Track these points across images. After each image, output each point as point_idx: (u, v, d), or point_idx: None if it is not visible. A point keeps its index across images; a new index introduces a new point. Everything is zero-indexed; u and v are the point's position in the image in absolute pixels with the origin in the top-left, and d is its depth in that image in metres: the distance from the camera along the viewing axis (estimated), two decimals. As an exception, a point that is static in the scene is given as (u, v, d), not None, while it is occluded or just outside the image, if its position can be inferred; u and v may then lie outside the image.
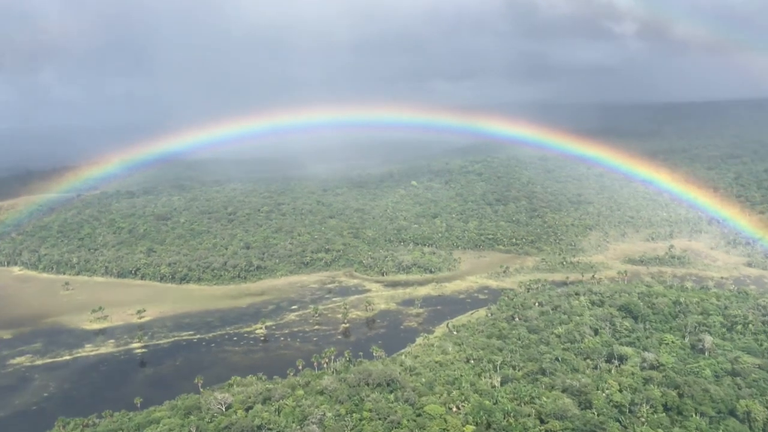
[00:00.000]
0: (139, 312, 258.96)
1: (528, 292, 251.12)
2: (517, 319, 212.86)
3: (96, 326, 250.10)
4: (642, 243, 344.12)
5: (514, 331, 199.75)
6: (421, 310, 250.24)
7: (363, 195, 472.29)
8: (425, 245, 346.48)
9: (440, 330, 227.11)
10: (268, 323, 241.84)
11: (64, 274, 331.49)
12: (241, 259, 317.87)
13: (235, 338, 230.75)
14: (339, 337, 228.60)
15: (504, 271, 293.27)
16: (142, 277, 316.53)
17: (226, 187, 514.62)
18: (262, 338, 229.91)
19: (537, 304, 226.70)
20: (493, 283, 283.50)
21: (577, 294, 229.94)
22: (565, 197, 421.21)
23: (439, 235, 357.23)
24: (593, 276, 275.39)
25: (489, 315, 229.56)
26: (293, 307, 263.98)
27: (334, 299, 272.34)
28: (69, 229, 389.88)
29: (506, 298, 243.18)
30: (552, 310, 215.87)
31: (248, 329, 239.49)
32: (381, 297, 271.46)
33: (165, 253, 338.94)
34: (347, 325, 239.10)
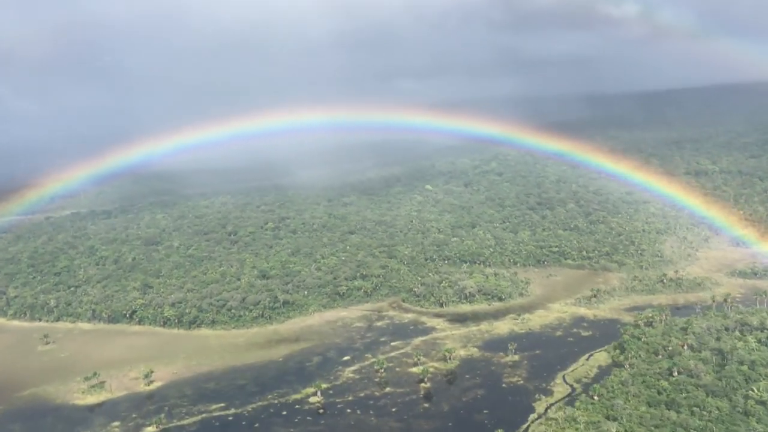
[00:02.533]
0: (146, 376, 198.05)
1: (651, 326, 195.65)
2: (676, 373, 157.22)
3: (91, 399, 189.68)
4: (732, 248, 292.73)
5: (684, 395, 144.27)
6: (516, 357, 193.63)
7: (376, 203, 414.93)
8: (475, 263, 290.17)
9: (558, 388, 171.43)
10: (323, 386, 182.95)
11: (41, 321, 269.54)
12: (262, 294, 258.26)
13: (283, 412, 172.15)
14: (425, 405, 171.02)
15: (594, 296, 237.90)
16: (140, 322, 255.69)
17: (215, 200, 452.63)
18: (319, 410, 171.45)
19: (685, 346, 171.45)
20: (587, 312, 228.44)
21: (727, 329, 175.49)
22: (616, 197, 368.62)
23: (490, 250, 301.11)
24: (713, 299, 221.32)
25: (619, 364, 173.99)
26: (345, 358, 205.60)
27: (392, 343, 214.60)
28: (41, 261, 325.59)
29: (631, 338, 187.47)
30: (714, 355, 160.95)
31: (297, 396, 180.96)
32: (453, 338, 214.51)
33: (164, 288, 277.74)
34: (427, 385, 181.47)
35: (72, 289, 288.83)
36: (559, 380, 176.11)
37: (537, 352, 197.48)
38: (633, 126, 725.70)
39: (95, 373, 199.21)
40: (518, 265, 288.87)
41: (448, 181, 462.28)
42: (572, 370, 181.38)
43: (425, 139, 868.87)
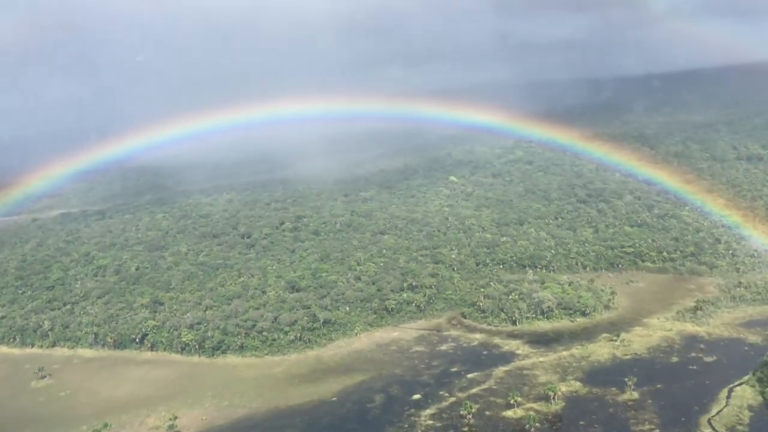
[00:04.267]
0: (170, 428, 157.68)
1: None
2: None
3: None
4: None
5: None
6: (635, 395, 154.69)
7: (399, 198, 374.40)
8: (536, 267, 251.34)
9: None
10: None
11: (33, 347, 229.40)
12: (298, 311, 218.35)
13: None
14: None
15: (698, 308, 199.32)
16: (153, 348, 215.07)
17: (219, 198, 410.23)
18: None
19: None
20: (697, 330, 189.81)
21: None
22: (672, 186, 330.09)
23: (551, 252, 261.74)
24: None
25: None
26: (415, 397, 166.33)
27: (468, 375, 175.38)
28: (31, 272, 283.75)
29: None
30: None
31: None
32: (543, 367, 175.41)
33: (177, 305, 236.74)
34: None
35: (68, 306, 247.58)
36: (705, 428, 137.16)
37: (658, 386, 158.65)
38: (650, 110, 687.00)
39: (106, 425, 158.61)
40: (588, 269, 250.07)
41: (474, 172, 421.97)
42: (716, 414, 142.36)
43: (425, 128, 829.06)
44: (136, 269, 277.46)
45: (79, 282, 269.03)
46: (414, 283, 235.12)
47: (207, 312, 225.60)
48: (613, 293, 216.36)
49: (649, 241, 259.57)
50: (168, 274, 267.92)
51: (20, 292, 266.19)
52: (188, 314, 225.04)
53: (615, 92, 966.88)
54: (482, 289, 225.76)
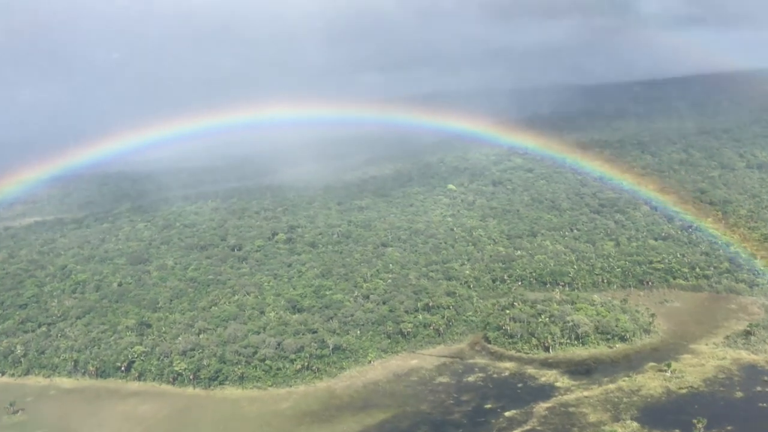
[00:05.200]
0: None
1: None
2: None
3: None
4: None
5: None
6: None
7: (396, 207, 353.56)
8: (558, 284, 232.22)
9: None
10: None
11: (3, 375, 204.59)
12: (304, 335, 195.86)
13: None
14: None
15: (751, 333, 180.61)
16: (141, 377, 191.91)
17: (203, 206, 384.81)
18: None
19: None
20: (755, 359, 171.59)
21: None
22: (690, 185, 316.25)
23: (573, 267, 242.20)
24: None
25: None
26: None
27: (506, 414, 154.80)
28: (2, 288, 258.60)
29: None
30: None
31: None
32: (590, 404, 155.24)
33: (167, 327, 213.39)
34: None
35: (44, 328, 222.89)
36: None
37: (729, 428, 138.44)
38: (641, 117, 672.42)
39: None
40: (615, 286, 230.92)
41: (472, 179, 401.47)
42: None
43: (410, 134, 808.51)
44: (119, 285, 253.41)
45: (55, 300, 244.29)
46: (429, 303, 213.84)
47: (201, 336, 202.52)
48: (652, 315, 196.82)
49: (678, 255, 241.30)
50: (154, 291, 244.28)
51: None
52: (180, 338, 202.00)
53: (603, 99, 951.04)
54: (507, 311, 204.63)
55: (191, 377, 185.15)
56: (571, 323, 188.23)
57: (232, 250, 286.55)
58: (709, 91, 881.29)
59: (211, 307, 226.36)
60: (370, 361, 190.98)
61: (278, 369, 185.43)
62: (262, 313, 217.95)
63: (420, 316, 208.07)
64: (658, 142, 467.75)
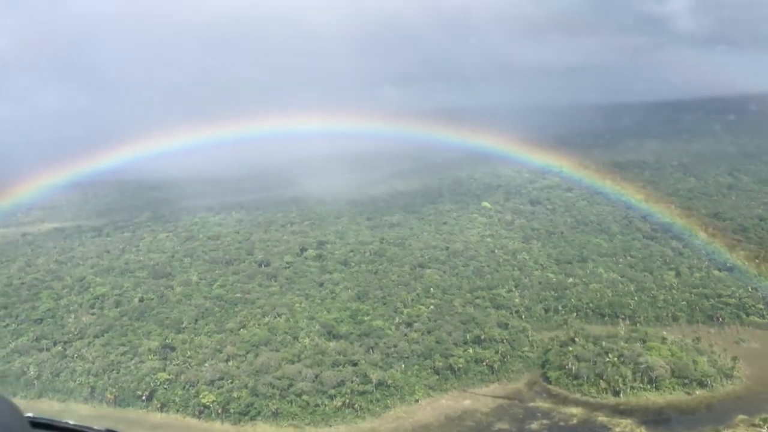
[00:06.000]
0: None
1: None
2: None
3: None
4: None
5: None
6: None
7: (429, 224, 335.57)
8: (618, 317, 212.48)
9: None
10: None
11: (15, 396, 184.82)
12: (345, 369, 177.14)
13: None
14: None
15: None
16: (163, 408, 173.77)
17: (227, 217, 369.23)
18: None
19: None
20: None
21: None
22: (745, 211, 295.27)
23: (634, 299, 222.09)
24: None
25: None
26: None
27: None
28: (17, 299, 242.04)
29: None
30: None
31: None
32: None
33: (192, 351, 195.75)
34: None
35: (60, 347, 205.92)
36: None
37: None
38: (673, 138, 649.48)
39: None
40: (680, 322, 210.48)
41: (508, 198, 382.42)
42: None
43: (432, 149, 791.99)
44: (140, 301, 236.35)
45: (72, 315, 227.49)
46: (480, 335, 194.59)
47: (230, 363, 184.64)
48: (734, 358, 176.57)
49: (750, 289, 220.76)
50: (178, 309, 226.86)
51: (3, 324, 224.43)
52: (207, 364, 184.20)
53: (632, 118, 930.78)
54: (569, 347, 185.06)
55: (219, 411, 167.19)
56: (644, 365, 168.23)
57: (260, 266, 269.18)
58: (742, 113, 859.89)
59: (239, 330, 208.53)
60: (417, 400, 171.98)
61: (316, 405, 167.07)
62: (296, 338, 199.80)
63: (471, 350, 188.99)
64: (700, 165, 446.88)
